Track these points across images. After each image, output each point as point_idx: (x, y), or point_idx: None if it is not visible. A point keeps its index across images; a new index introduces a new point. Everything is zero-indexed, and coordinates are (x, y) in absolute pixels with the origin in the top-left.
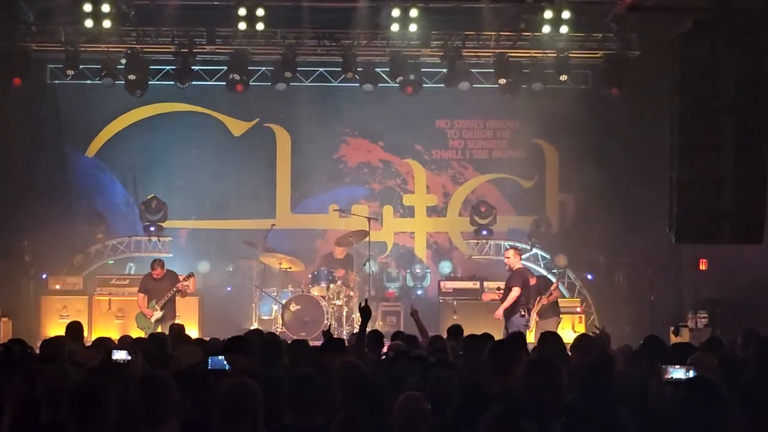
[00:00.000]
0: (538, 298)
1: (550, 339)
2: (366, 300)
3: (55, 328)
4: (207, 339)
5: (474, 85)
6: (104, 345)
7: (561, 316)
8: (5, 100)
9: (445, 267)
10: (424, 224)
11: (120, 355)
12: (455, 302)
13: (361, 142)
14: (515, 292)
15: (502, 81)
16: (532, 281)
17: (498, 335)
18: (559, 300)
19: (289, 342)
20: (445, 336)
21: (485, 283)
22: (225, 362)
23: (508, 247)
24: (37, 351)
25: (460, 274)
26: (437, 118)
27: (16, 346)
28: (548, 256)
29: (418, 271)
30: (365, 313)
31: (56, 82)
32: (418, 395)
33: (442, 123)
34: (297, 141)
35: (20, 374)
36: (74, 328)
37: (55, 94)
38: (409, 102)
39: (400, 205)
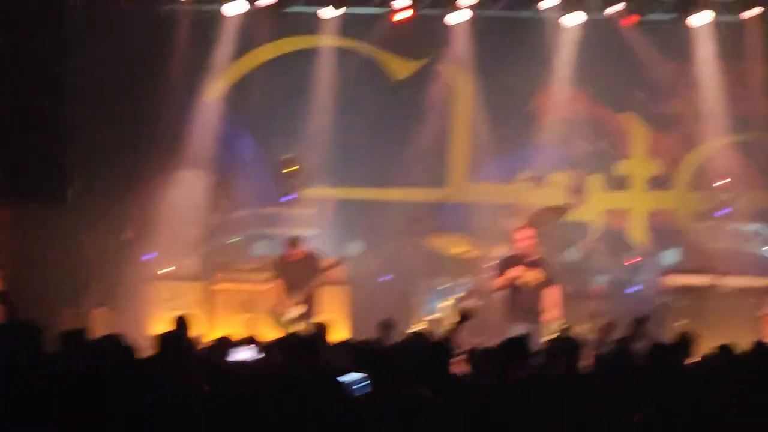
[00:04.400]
0: None
1: None
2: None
3: (162, 323)
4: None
5: (717, 17)
6: (224, 346)
7: None
8: (107, 28)
9: (671, 256)
10: (643, 200)
11: (243, 354)
12: (683, 303)
13: (562, 89)
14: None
15: (755, 10)
16: None
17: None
18: None
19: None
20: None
21: (725, 279)
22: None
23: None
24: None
25: (691, 266)
26: (666, 59)
27: (112, 342)
28: None
29: (634, 260)
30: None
31: (169, 7)
32: None
33: (671, 66)
34: (478, 87)
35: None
36: (182, 323)
37: (167, 23)
38: (627, 37)
39: (613, 174)
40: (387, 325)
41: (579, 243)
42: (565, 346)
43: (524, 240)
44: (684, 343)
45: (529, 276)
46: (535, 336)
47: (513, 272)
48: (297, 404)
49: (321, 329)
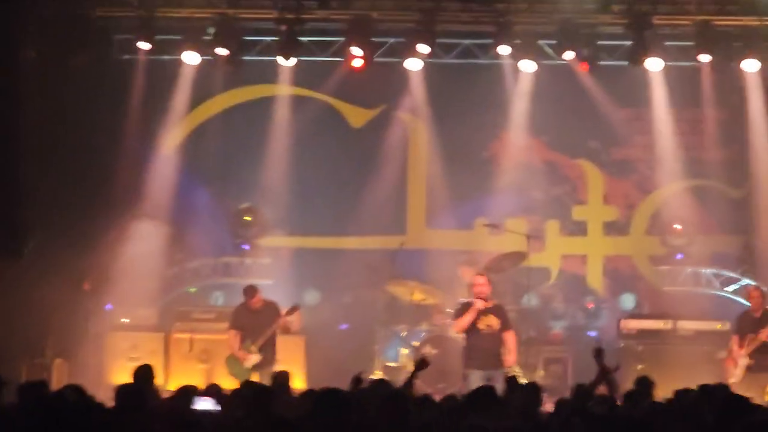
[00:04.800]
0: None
1: None
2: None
3: (122, 374)
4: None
5: (667, 63)
6: (188, 395)
7: None
8: (61, 82)
9: (628, 301)
10: (599, 245)
11: (203, 404)
12: (641, 347)
13: (518, 137)
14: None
15: (705, 57)
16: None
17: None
18: None
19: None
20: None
21: (680, 323)
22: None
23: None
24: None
25: (648, 310)
26: (619, 105)
27: (72, 393)
28: (766, 288)
29: (591, 306)
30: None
31: (126, 57)
32: None
33: (625, 112)
34: (434, 135)
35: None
36: (142, 374)
37: (123, 74)
38: (581, 84)
39: (569, 220)
40: (358, 380)
41: (537, 289)
42: (526, 392)
43: (481, 286)
44: (642, 387)
45: (486, 322)
46: (493, 382)
47: (470, 316)
48: None
49: (284, 378)
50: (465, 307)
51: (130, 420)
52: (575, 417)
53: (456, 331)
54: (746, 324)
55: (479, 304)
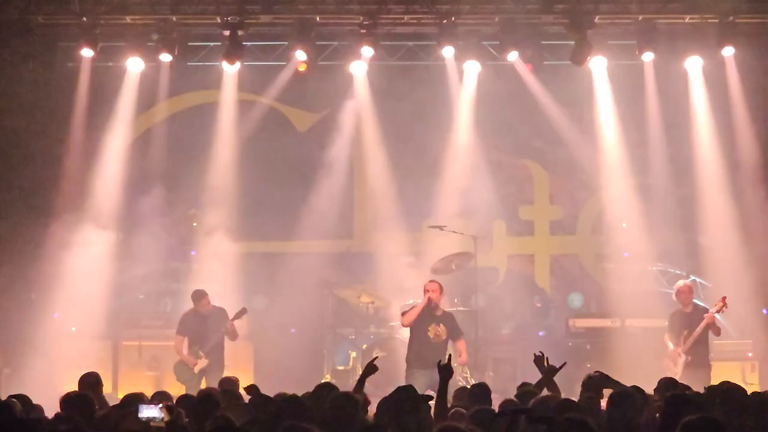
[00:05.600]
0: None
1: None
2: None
3: (70, 382)
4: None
5: (611, 62)
6: (134, 403)
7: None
8: (4, 89)
9: (575, 300)
10: (546, 244)
11: (150, 412)
12: (589, 346)
13: (463, 138)
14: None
15: (648, 56)
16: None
17: (649, 387)
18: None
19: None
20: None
21: (628, 321)
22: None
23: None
24: (46, 411)
25: (595, 309)
26: (563, 104)
27: (18, 404)
28: (710, 285)
29: (539, 305)
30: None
31: (70, 64)
32: None
33: (570, 111)
34: (380, 137)
35: None
36: (90, 382)
37: (68, 81)
38: (525, 84)
39: (516, 220)
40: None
41: (485, 289)
42: (476, 392)
43: (434, 292)
44: (591, 385)
45: (434, 331)
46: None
47: (418, 308)
48: None
49: (232, 383)
50: (414, 307)
51: (72, 429)
52: (519, 416)
53: (404, 324)
54: (679, 322)
55: (426, 300)
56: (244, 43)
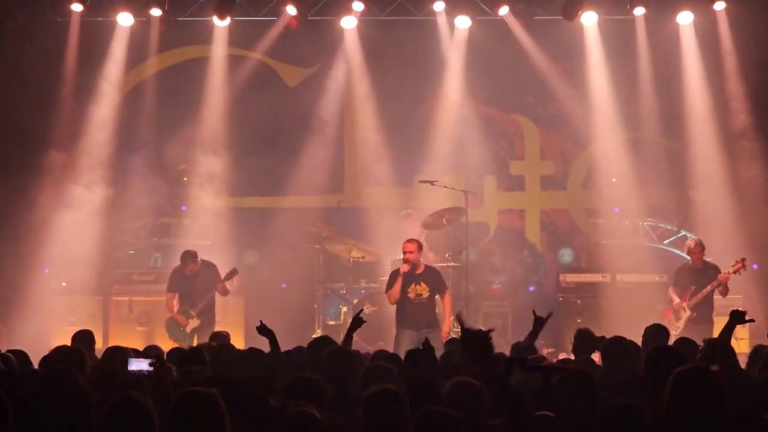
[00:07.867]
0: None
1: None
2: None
3: (61, 338)
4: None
5: (602, 17)
6: (118, 356)
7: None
8: None
9: (566, 255)
10: (537, 200)
11: (139, 365)
12: (579, 301)
13: (453, 93)
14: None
15: (639, 10)
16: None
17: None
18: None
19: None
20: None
21: (619, 276)
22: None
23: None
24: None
25: (586, 264)
26: (554, 59)
27: (15, 359)
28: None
29: (529, 260)
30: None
31: (58, 19)
32: None
33: (560, 67)
34: (370, 92)
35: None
36: (83, 339)
37: (57, 36)
38: (516, 39)
39: (506, 175)
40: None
41: (475, 244)
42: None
43: (410, 254)
44: (582, 339)
45: (416, 291)
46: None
47: (398, 285)
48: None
49: (223, 337)
50: (394, 276)
51: (62, 383)
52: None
53: (391, 302)
54: (686, 276)
55: (404, 268)
56: None
